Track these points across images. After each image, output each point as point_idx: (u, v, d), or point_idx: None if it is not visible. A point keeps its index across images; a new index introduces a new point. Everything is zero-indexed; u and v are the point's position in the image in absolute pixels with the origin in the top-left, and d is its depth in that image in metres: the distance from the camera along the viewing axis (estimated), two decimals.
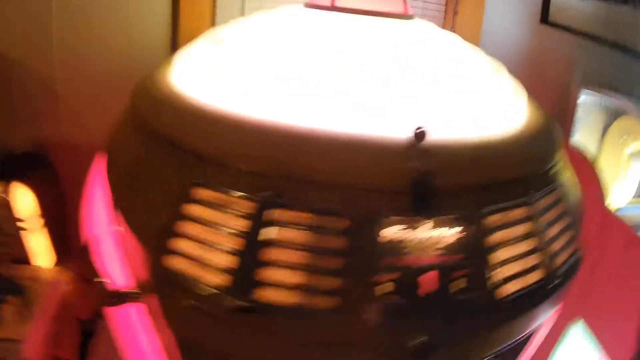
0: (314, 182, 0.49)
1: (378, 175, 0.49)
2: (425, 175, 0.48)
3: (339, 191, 0.48)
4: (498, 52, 1.39)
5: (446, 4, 1.36)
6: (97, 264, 0.77)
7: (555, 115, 1.42)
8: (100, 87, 1.38)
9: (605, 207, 1.15)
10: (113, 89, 1.32)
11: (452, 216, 0.49)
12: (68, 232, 1.40)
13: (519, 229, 0.54)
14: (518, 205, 0.55)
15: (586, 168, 1.21)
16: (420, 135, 0.51)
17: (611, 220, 1.14)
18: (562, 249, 0.59)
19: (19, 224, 1.28)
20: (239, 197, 0.50)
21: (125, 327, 0.74)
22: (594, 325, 1.08)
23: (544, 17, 1.37)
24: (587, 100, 1.33)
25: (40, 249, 1.33)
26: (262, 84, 0.59)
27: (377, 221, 0.47)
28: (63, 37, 1.35)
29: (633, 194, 1.25)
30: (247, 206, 0.49)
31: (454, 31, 1.35)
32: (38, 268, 1.34)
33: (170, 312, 0.57)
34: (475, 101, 0.64)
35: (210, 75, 0.63)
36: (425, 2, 1.35)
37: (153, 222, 0.56)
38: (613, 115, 1.28)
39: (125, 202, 0.62)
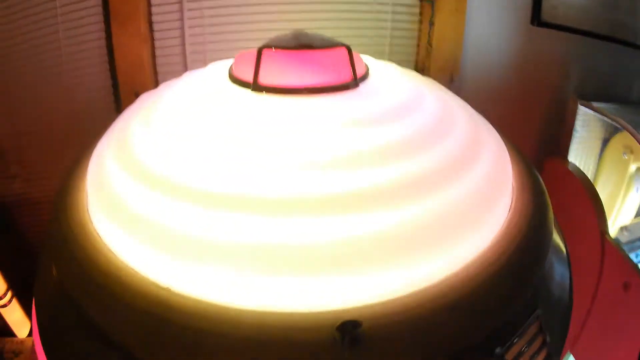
0: None
1: None
2: None
3: None
4: (485, 62, 1.26)
5: (420, 15, 1.21)
6: None
7: (551, 127, 1.31)
8: (46, 139, 1.28)
9: (605, 238, 1.04)
10: (60, 141, 1.24)
11: None
12: None
13: None
14: None
15: (581, 194, 1.09)
16: (346, 330, 0.40)
17: (610, 252, 1.03)
18: None
19: None
20: None
21: None
22: None
23: (536, 17, 1.22)
24: (585, 111, 1.20)
25: (18, 320, 1.30)
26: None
27: None
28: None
29: (634, 214, 1.14)
30: None
31: (431, 45, 1.21)
32: (22, 339, 1.32)
33: None
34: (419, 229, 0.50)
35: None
36: (395, 13, 1.20)
37: None
38: (612, 129, 1.15)
39: None
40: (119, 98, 1.22)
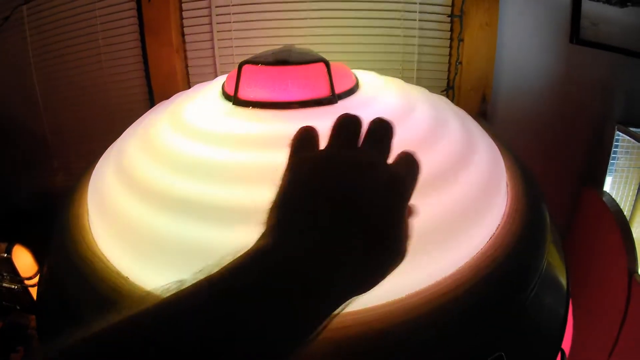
0: None
1: None
2: None
3: None
4: (520, 82, 1.21)
5: (451, 31, 1.18)
6: None
7: (588, 153, 1.23)
8: (86, 139, 1.36)
9: (633, 277, 0.96)
10: (98, 137, 1.31)
11: None
12: None
13: None
14: None
15: (613, 228, 1.02)
16: None
17: (637, 293, 0.95)
18: None
19: (23, 279, 1.31)
20: None
21: None
22: None
23: (574, 34, 1.15)
24: (624, 138, 1.11)
25: None
26: None
27: None
28: (46, 95, 1.34)
29: None
30: None
31: (461, 62, 1.17)
32: None
33: None
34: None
35: None
36: (422, 30, 1.18)
37: None
38: None
39: None
40: (154, 104, 1.26)
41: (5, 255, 1.27)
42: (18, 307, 1.37)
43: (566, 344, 0.63)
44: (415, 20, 1.16)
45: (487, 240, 0.57)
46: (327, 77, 0.61)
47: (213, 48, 1.21)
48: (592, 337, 1.03)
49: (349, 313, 0.46)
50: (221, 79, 0.78)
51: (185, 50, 1.22)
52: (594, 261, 1.08)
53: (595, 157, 1.19)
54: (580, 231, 1.18)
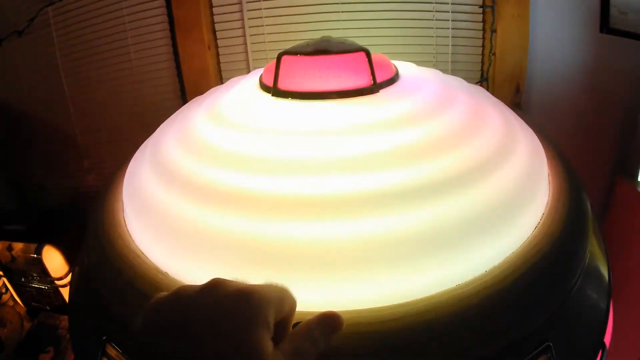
0: None
1: None
2: None
3: None
4: (552, 72, 1.19)
5: (483, 22, 1.16)
6: None
7: (622, 143, 1.20)
8: (117, 138, 1.37)
9: None
10: (129, 136, 1.32)
11: None
12: None
13: None
14: None
15: None
16: None
17: None
18: None
19: (54, 279, 1.33)
20: None
21: None
22: None
23: (604, 24, 1.12)
24: None
25: None
26: None
27: None
28: (76, 95, 1.36)
29: None
30: None
31: (494, 53, 1.16)
32: None
33: None
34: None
35: None
36: (455, 21, 1.16)
37: None
38: None
39: None
40: (186, 101, 1.27)
41: (35, 255, 1.29)
42: (48, 308, 1.40)
43: (607, 338, 0.62)
44: (447, 12, 1.15)
45: (532, 230, 0.56)
46: (368, 67, 0.61)
47: (245, 44, 1.22)
48: (629, 331, 1.01)
49: (400, 305, 0.46)
50: (257, 72, 0.78)
51: (217, 47, 1.23)
52: (629, 252, 1.06)
53: (629, 147, 1.16)
54: (615, 222, 1.15)
